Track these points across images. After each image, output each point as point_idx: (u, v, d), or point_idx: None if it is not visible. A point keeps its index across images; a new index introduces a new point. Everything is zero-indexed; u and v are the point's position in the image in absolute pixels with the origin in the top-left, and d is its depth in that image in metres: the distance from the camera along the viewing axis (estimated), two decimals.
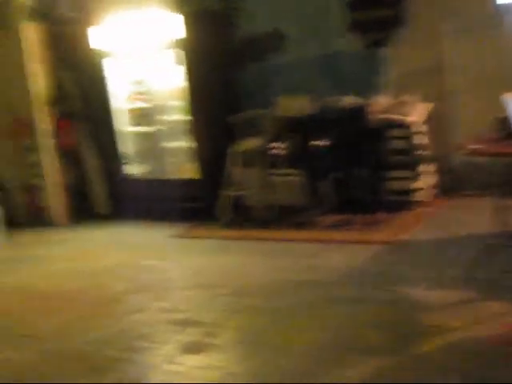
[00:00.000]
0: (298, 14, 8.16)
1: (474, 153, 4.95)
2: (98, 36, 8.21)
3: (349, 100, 7.41)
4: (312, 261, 5.95)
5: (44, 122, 8.74)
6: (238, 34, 8.40)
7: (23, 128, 8.72)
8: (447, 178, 7.61)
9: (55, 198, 8.87)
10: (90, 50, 8.28)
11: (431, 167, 7.47)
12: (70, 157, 8.94)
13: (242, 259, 6.31)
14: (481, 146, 4.82)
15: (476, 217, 6.43)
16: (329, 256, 6.01)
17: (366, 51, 7.84)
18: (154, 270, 6.41)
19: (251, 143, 7.52)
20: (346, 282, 5.28)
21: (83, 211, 8.83)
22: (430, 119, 7.39)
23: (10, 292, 6.30)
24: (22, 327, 5.32)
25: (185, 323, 4.91)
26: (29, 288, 6.35)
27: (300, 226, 7.11)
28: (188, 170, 8.18)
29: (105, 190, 8.86)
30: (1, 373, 4.46)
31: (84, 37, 8.28)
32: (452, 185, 7.61)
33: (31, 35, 8.59)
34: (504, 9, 6.88)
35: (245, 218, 7.49)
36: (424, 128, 7.32)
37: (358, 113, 7.17)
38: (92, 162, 8.91)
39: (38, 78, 8.67)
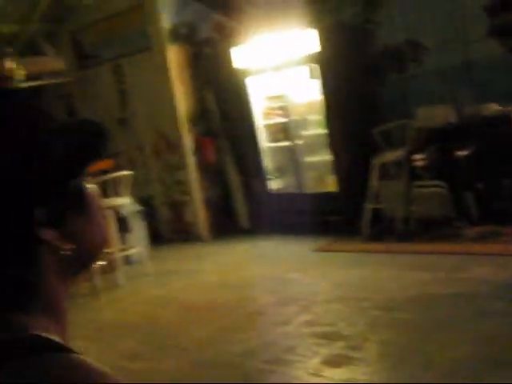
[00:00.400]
0: (435, 23, 8.02)
1: None
2: (239, 55, 8.44)
3: (491, 108, 7.19)
4: (456, 274, 5.81)
5: (188, 141, 9.08)
6: (374, 45, 8.38)
7: (169, 146, 9.11)
8: None
9: (199, 213, 9.17)
10: (232, 69, 8.53)
11: None
12: (212, 174, 9.23)
13: (385, 273, 6.25)
14: None
15: None
16: (474, 269, 5.85)
17: (507, 57, 7.59)
18: (296, 283, 6.49)
19: (392, 155, 7.46)
20: (494, 296, 5.11)
21: (225, 226, 9.06)
22: None
23: (163, 304, 6.59)
24: (175, 338, 5.55)
25: (329, 336, 4.94)
26: (179, 300, 6.61)
27: (442, 238, 6.95)
28: (327, 184, 8.22)
29: (246, 205, 9.06)
30: (158, 381, 4.67)
31: (225, 56, 8.55)
32: None
33: (174, 56, 8.97)
34: None
35: (385, 231, 7.42)
36: None
37: (501, 121, 6.93)
38: (234, 178, 9.15)
39: (182, 98, 9.03)
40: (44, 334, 0.89)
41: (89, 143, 1.03)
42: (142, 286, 7.34)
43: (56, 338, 0.90)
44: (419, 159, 7.31)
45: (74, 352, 0.88)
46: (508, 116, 6.97)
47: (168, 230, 9.43)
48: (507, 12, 7.43)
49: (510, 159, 6.76)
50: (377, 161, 7.46)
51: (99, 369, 0.86)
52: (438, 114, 7.39)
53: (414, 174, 7.34)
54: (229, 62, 8.51)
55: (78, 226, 0.99)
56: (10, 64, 7.81)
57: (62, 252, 0.95)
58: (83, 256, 1.02)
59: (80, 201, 1.01)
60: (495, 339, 4.34)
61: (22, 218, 0.91)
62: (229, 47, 8.50)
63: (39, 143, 0.95)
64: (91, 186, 1.05)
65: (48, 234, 0.93)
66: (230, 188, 9.22)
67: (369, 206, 7.47)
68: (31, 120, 0.98)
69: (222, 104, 9.11)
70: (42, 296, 0.95)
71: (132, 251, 7.99)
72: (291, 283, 6.49)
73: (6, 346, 0.86)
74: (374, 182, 7.47)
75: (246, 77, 8.51)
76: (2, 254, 0.91)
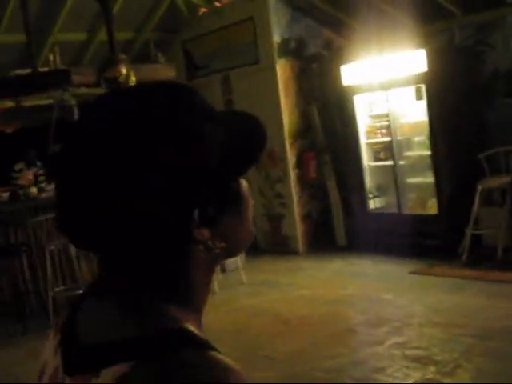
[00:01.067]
0: None
1: None
2: (348, 73, 8.48)
3: None
4: None
5: (291, 154, 9.18)
6: (486, 69, 8.23)
7: (272, 159, 9.22)
8: None
9: (297, 227, 9.23)
10: (339, 85, 8.57)
11: None
12: (312, 188, 9.28)
13: (482, 300, 6.11)
14: None
15: None
16: None
17: None
18: (391, 304, 6.43)
19: (496, 181, 7.30)
20: None
21: (322, 241, 9.08)
22: None
23: (255, 314, 6.67)
24: (265, 348, 5.62)
25: (420, 360, 4.89)
26: (271, 311, 6.68)
27: None
28: (427, 206, 8.12)
29: (344, 222, 9.06)
30: None
31: (333, 73, 8.60)
32: None
33: (282, 70, 9.10)
34: None
35: (485, 258, 7.25)
36: None
37: None
38: (334, 194, 9.16)
39: (287, 112, 9.14)
40: (191, 328, 0.92)
41: (257, 140, 1.02)
42: (236, 294, 7.46)
43: (199, 333, 0.93)
44: None
45: (215, 349, 0.91)
46: None
47: (265, 241, 9.53)
48: None
49: None
50: (481, 186, 7.31)
51: (236, 368, 0.88)
52: None
53: None
54: (336, 78, 8.56)
55: (231, 224, 0.98)
56: (123, 69, 8.10)
57: (214, 250, 0.96)
58: (231, 251, 1.02)
59: (236, 200, 1.00)
60: None
61: (182, 218, 0.91)
62: (337, 64, 8.55)
63: (204, 135, 0.92)
64: (244, 183, 1.03)
65: (202, 234, 0.93)
66: (330, 204, 9.24)
67: (469, 232, 7.32)
68: (194, 109, 0.95)
69: (327, 120, 9.16)
70: (193, 290, 0.97)
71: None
72: (385, 304, 6.44)
73: (161, 336, 0.89)
74: (477, 207, 7.32)
75: (353, 94, 8.53)
76: (161, 250, 0.92)
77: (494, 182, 7.31)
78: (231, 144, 0.95)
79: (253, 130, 1.02)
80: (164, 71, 9.72)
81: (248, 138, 1.00)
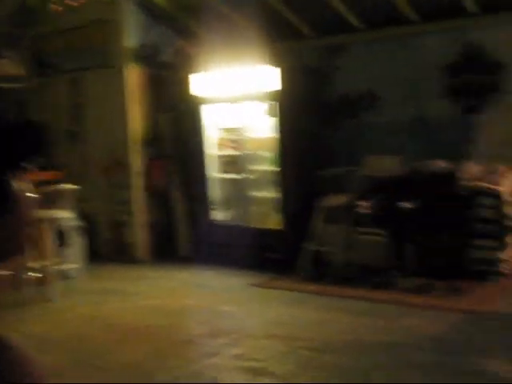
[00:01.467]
0: (395, 76, 8.24)
1: None
2: (197, 83, 8.49)
3: (439, 164, 7.38)
4: (391, 323, 5.89)
5: (137, 162, 9.04)
6: (333, 91, 8.54)
7: (117, 166, 9.04)
8: None
9: (140, 235, 9.09)
10: (188, 95, 8.56)
11: None
12: (158, 197, 9.18)
13: (321, 314, 6.29)
14: None
15: None
16: (407, 320, 5.94)
17: (460, 117, 7.83)
18: (231, 315, 6.47)
19: (337, 199, 7.56)
20: (424, 348, 5.20)
21: (166, 251, 9.00)
22: None
23: (93, 323, 6.47)
24: (100, 358, 5.45)
25: (258, 372, 4.93)
26: (110, 320, 6.51)
27: (379, 286, 7.05)
28: (272, 221, 8.27)
29: (189, 233, 9.03)
30: None
31: (183, 82, 8.59)
32: None
33: (134, 76, 8.96)
34: None
35: (325, 273, 7.49)
36: None
37: (447, 178, 7.12)
38: (179, 204, 9.12)
39: (136, 119, 9.00)
40: None
41: (31, 142, 1.02)
42: (75, 302, 7.21)
43: None
44: (363, 207, 7.43)
45: None
46: (453, 173, 7.16)
47: (108, 248, 9.31)
48: (465, 74, 7.69)
49: (452, 216, 6.94)
50: (322, 204, 7.56)
51: None
52: (386, 165, 7.55)
53: (357, 221, 7.45)
54: (186, 87, 8.55)
55: None
56: None
57: None
58: None
59: (5, 199, 0.98)
60: None
61: None
62: (188, 73, 8.55)
63: None
64: (25, 190, 1.02)
65: None
66: (175, 213, 9.18)
67: (309, 247, 7.54)
68: None
69: (176, 129, 9.12)
70: None
71: (68, 266, 7.85)
72: (225, 315, 6.47)
73: None
74: (318, 224, 7.55)
75: (201, 104, 8.56)
76: None
77: (335, 200, 7.57)
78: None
79: (30, 134, 1.02)
80: (11, 68, 9.32)
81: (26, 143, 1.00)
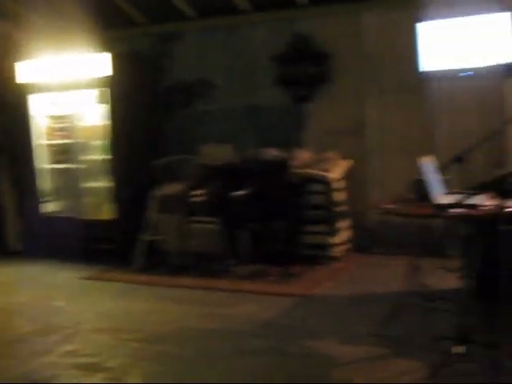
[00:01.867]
0: (228, 65, 8.29)
1: (389, 212, 5.05)
2: (24, 71, 8.09)
3: (271, 152, 7.50)
4: (224, 310, 5.91)
5: None
6: (167, 79, 8.44)
7: None
8: (363, 235, 7.78)
9: None
10: (15, 84, 8.14)
11: (348, 224, 7.60)
12: None
13: (155, 305, 6.21)
14: (396, 206, 4.93)
15: (389, 275, 6.55)
16: (242, 306, 5.99)
17: (291, 106, 8.00)
18: (62, 311, 6.23)
19: (171, 189, 7.49)
20: (257, 334, 5.24)
21: None
22: (349, 176, 7.56)
23: None
24: None
25: (91, 368, 4.76)
26: None
27: (215, 274, 7.08)
28: (105, 212, 8.05)
29: (20, 226, 8.62)
30: None
31: (9, 71, 8.14)
32: (367, 242, 7.78)
33: None
34: (426, 75, 7.16)
35: (160, 263, 7.40)
36: (343, 185, 7.47)
37: (279, 166, 7.25)
38: (8, 197, 8.67)
39: None
40: None
41: None
42: None
43: None
44: (198, 195, 7.40)
45: None
46: (285, 161, 7.30)
47: None
48: (293, 64, 7.85)
49: (284, 203, 7.08)
50: (156, 193, 7.46)
51: None
52: (221, 153, 7.58)
53: (192, 210, 7.41)
54: (11, 75, 8.12)
55: None
56: None
57: None
58: None
59: None
60: (249, 377, 4.43)
61: None
62: (12, 60, 8.12)
63: None
64: None
65: None
66: (3, 207, 8.72)
67: (144, 238, 7.42)
68: None
69: (2, 120, 8.64)
70: None
71: None
72: (56, 311, 6.22)
73: None
74: (152, 214, 7.45)
75: (29, 93, 8.17)
76: None
77: (169, 189, 7.50)
78: None
79: None
80: None
81: None
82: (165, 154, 7.86)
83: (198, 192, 7.42)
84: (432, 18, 7.10)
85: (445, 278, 6.04)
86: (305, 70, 7.82)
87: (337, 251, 7.37)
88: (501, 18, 6.67)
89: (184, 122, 8.42)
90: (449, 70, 7.00)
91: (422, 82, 7.25)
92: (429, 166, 4.66)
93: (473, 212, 4.20)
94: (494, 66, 4.12)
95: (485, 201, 4.26)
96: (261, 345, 4.99)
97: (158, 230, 7.51)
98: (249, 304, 6.05)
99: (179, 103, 8.42)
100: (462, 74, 6.83)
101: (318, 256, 7.28)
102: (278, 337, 5.16)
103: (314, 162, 7.45)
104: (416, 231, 5.76)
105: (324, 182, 7.24)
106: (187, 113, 8.46)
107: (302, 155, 7.60)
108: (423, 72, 7.16)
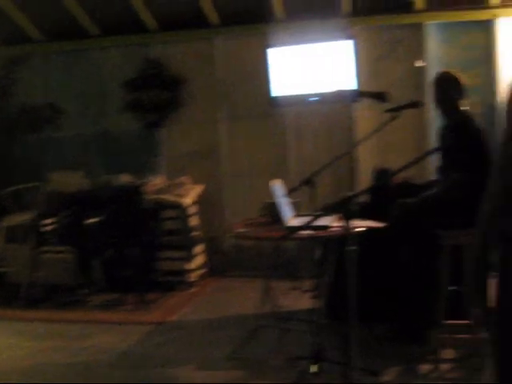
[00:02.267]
0: (78, 89, 8.12)
1: (242, 236, 5.11)
2: None
3: (123, 179, 7.41)
4: (80, 343, 5.70)
5: None
6: (14, 104, 8.14)
7: None
8: (218, 259, 7.82)
9: None
10: None
11: (203, 248, 7.61)
12: None
13: (7, 340, 5.89)
14: (247, 230, 4.99)
15: (245, 298, 6.60)
16: (97, 337, 5.81)
17: (143, 131, 7.95)
18: None
19: (20, 218, 7.20)
20: (114, 365, 5.11)
21: None
22: (204, 201, 7.58)
23: None
24: None
25: None
26: None
27: (69, 305, 6.84)
28: None
29: None
30: None
31: None
32: (222, 266, 7.83)
33: None
34: (277, 101, 7.33)
35: (10, 297, 7.06)
36: (196, 210, 7.49)
37: (132, 192, 7.17)
38: None
39: None
40: None
41: None
42: None
43: None
44: (48, 224, 7.16)
45: None
46: (138, 188, 7.22)
47: None
48: (144, 90, 7.81)
49: (138, 230, 6.99)
50: (4, 223, 7.15)
51: None
52: (71, 180, 7.39)
53: (43, 239, 7.15)
54: None
55: None
56: None
57: None
58: None
59: None
60: None
61: None
62: None
63: None
64: None
65: None
66: None
67: None
68: None
69: None
70: None
71: None
72: None
73: None
74: (1, 244, 7.12)
75: None
76: None
77: (18, 218, 7.21)
78: None
79: None
80: None
81: None
82: (14, 181, 7.55)
83: (49, 220, 7.17)
84: (282, 45, 7.31)
85: (299, 298, 6.20)
86: (157, 95, 7.79)
87: (193, 276, 7.35)
88: (345, 46, 6.96)
89: (32, 148, 8.14)
90: (298, 96, 7.21)
91: (273, 108, 7.42)
92: (279, 190, 4.75)
93: (320, 233, 4.33)
94: (341, 91, 4.29)
95: (332, 222, 4.40)
96: (118, 376, 4.87)
97: (7, 261, 7.18)
98: (105, 334, 5.89)
99: (26, 128, 8.12)
100: (310, 100, 7.04)
101: (174, 282, 7.24)
102: (135, 366, 5.05)
103: (167, 187, 7.42)
104: (270, 254, 5.86)
105: (178, 207, 7.22)
106: (36, 138, 8.18)
107: (156, 181, 7.56)
108: (274, 97, 7.33)
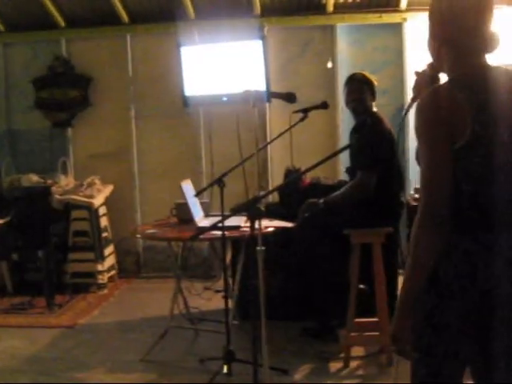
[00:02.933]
0: None
1: (150, 237, 5.06)
2: None
3: (31, 179, 7.22)
4: None
5: None
6: None
7: None
8: (129, 260, 7.75)
9: None
10: None
11: (114, 249, 7.51)
12: None
13: None
14: (156, 231, 4.95)
15: (158, 299, 6.54)
16: (6, 342, 5.62)
17: (53, 130, 7.76)
18: None
19: None
20: (23, 370, 4.96)
21: None
22: (114, 202, 7.48)
23: None
24: None
25: None
26: None
27: None
28: None
29: None
30: None
31: None
32: (134, 268, 7.75)
33: None
34: (190, 100, 7.29)
35: None
36: (107, 210, 7.38)
37: (40, 192, 7.00)
38: None
39: None
40: None
41: None
42: None
43: None
44: None
45: None
46: (47, 188, 7.06)
47: None
48: (52, 88, 7.64)
49: (46, 231, 6.82)
50: None
51: None
52: None
53: None
54: None
55: None
56: None
57: None
58: None
59: None
60: None
61: None
62: None
63: None
64: None
65: None
66: None
67: None
68: None
69: None
70: None
71: None
72: None
73: None
74: None
75: None
76: None
77: None
78: None
79: None
80: None
81: None
82: None
83: None
84: (194, 44, 7.28)
85: (212, 299, 6.19)
86: (66, 93, 7.62)
87: (104, 278, 7.22)
88: (256, 46, 6.99)
89: None
90: (211, 96, 7.19)
91: (186, 107, 7.38)
92: (190, 190, 4.73)
93: (231, 233, 4.34)
94: (248, 91, 4.29)
95: (242, 222, 4.41)
96: (27, 381, 4.73)
97: None
98: (13, 339, 5.69)
99: None
100: (223, 99, 7.03)
101: (84, 284, 7.10)
102: (45, 371, 4.93)
103: (77, 187, 7.27)
104: (181, 254, 5.82)
105: (88, 207, 7.08)
106: None
107: (65, 181, 7.40)
108: (187, 97, 7.29)
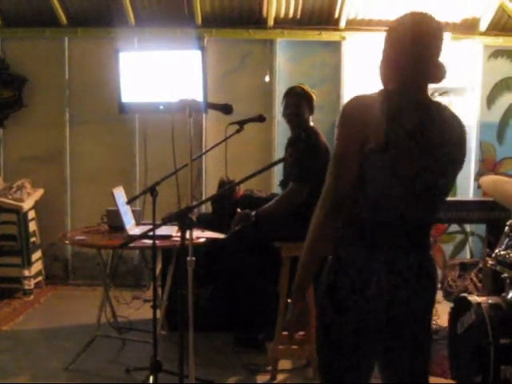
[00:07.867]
0: None
1: (82, 244, 4.99)
2: None
3: None
4: None
5: None
6: None
7: None
8: (58, 267, 7.61)
9: None
10: None
11: (41, 255, 7.36)
12: None
13: None
14: (85, 238, 4.88)
15: (84, 307, 6.44)
16: None
17: None
18: None
19: None
20: None
21: None
22: (43, 206, 7.33)
23: None
24: None
25: None
26: None
27: None
28: None
29: None
30: None
31: None
32: (62, 274, 7.62)
33: None
34: (126, 107, 7.21)
35: None
36: (35, 215, 7.23)
37: None
38: None
39: None
40: None
41: None
42: None
43: None
44: None
45: None
46: None
47: None
48: None
49: None
50: None
51: None
52: None
53: None
54: None
55: None
56: None
57: None
58: None
59: None
60: None
61: None
62: None
63: None
64: None
65: None
66: None
67: None
68: None
69: None
70: None
71: None
72: None
73: None
74: None
75: None
76: None
77: None
78: None
79: None
80: None
81: None
82: None
83: None
84: (133, 50, 7.23)
85: (140, 308, 6.13)
86: None
87: (30, 284, 7.06)
88: (195, 56, 6.98)
89: None
90: (147, 103, 7.14)
91: (122, 113, 7.31)
92: (121, 197, 4.68)
93: (161, 243, 4.31)
94: (184, 101, 4.27)
95: (173, 232, 4.39)
96: None
97: None
98: None
99: None
100: (160, 108, 6.99)
101: (9, 290, 6.92)
102: None
103: (6, 190, 7.10)
104: (111, 262, 5.75)
105: (16, 211, 6.92)
106: None
107: None
108: (123, 103, 7.21)
